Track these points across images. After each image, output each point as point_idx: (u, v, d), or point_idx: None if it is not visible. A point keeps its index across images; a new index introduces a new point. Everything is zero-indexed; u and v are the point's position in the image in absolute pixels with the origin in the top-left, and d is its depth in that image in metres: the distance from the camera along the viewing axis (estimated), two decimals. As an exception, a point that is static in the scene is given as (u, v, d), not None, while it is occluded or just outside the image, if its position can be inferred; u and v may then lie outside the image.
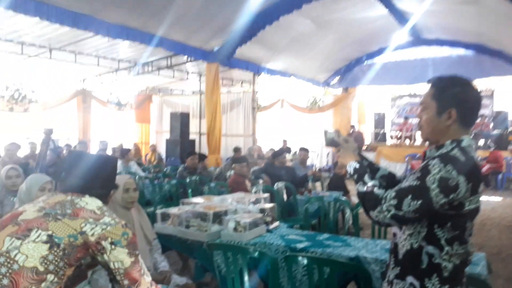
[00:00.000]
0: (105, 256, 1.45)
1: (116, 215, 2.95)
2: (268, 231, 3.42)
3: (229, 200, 3.91)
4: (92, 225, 1.46)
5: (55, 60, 9.18)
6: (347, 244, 3.04)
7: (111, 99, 12.30)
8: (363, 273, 2.14)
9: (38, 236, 1.38)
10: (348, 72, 13.82)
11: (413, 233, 1.55)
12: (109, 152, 9.22)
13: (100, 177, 1.67)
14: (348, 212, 4.37)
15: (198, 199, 4.03)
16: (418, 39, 11.94)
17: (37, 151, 8.57)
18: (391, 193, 1.51)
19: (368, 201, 1.58)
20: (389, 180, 1.83)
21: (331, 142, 1.89)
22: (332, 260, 2.38)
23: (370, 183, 1.62)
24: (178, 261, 4.14)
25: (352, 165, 1.73)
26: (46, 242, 1.37)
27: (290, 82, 12.91)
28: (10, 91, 9.40)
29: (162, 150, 12.06)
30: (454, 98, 1.55)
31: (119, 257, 1.45)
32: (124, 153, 7.76)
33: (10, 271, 1.31)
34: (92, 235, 1.44)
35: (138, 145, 11.06)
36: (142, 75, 11.61)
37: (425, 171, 1.47)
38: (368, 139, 14.47)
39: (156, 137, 13.93)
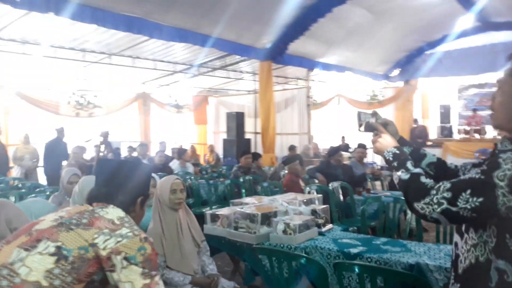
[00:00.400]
0: (115, 275, 1.28)
1: (164, 216, 2.96)
2: (321, 234, 3.24)
3: (279, 201, 3.77)
4: (106, 236, 1.32)
5: (115, 66, 9.56)
6: (407, 249, 2.77)
7: (169, 102, 12.62)
8: (422, 284, 1.90)
9: (45, 248, 1.28)
10: (409, 63, 13.07)
11: (478, 243, 1.30)
12: (168, 152, 9.43)
13: (121, 183, 1.56)
14: (410, 213, 4.06)
15: (248, 200, 3.92)
16: (486, 24, 10.96)
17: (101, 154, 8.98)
18: (446, 184, 1.27)
19: (413, 190, 1.33)
20: (439, 168, 1.55)
21: (366, 126, 1.60)
22: (385, 269, 2.15)
23: (415, 171, 1.37)
24: (230, 263, 4.06)
25: (391, 151, 1.47)
26: (53, 255, 1.26)
27: (347, 76, 12.48)
28: (76, 97, 9.92)
29: (219, 150, 12.19)
30: None
31: (130, 277, 1.28)
32: (181, 153, 7.88)
33: (11, 284, 1.22)
34: (104, 248, 1.30)
35: (195, 146, 11.23)
36: (198, 77, 11.79)
37: (494, 164, 1.20)
38: (433, 134, 13.63)
39: (214, 137, 14.13)
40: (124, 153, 8.96)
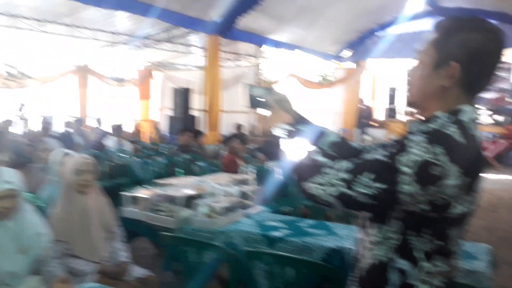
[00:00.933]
0: None
1: (70, 199, 2.64)
2: (247, 216, 3.05)
3: (208, 182, 3.54)
4: None
5: (51, 34, 8.80)
6: (331, 232, 2.65)
7: (112, 75, 11.90)
8: (334, 273, 1.74)
9: None
10: (360, 44, 13.11)
11: (380, 241, 1.11)
12: (108, 129, 8.90)
13: None
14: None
15: (174, 180, 3.67)
16: (436, 8, 11.12)
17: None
18: (346, 163, 1.07)
19: (303, 168, 1.14)
20: (343, 149, 1.36)
21: (255, 103, 1.39)
22: (296, 258, 1.97)
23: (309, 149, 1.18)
24: (152, 248, 3.80)
25: (281, 127, 1.29)
26: None
27: (301, 56, 12.31)
28: (6, 67, 9.11)
29: (166, 127, 11.73)
30: (460, 47, 1.05)
31: None
32: (117, 130, 7.43)
33: None
34: None
35: (141, 123, 10.70)
36: (143, 50, 11.17)
37: (401, 147, 1.01)
38: (382, 115, 13.87)
39: (160, 114, 13.58)
40: (59, 128, 8.35)
